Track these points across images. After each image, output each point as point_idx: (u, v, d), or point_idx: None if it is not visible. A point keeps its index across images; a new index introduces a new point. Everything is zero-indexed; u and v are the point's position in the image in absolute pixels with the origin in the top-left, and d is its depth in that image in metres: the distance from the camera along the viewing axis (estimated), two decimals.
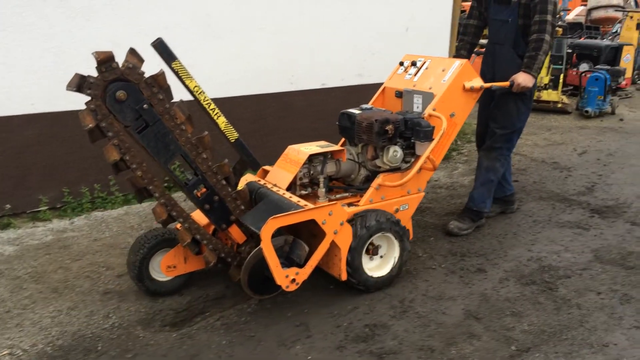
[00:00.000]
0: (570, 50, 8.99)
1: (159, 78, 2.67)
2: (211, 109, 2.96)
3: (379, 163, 3.40)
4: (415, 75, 3.72)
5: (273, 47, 5.04)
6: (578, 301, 3.18)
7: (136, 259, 3.06)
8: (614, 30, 11.49)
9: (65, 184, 4.30)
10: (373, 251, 3.23)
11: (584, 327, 2.93)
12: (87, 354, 2.71)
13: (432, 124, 3.31)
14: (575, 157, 5.93)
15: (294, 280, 2.85)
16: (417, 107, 3.60)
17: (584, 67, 8.83)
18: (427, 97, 3.52)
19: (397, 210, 3.38)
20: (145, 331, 2.90)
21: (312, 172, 3.34)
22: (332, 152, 3.40)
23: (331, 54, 5.43)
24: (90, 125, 2.53)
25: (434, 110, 3.41)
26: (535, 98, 6.48)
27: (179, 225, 2.98)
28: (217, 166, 2.92)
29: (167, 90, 2.71)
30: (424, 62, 3.74)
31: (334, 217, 2.92)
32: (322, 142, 3.50)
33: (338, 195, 3.45)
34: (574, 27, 12.19)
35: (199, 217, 3.10)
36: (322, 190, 3.32)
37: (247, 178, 3.41)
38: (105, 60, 2.50)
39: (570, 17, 14.69)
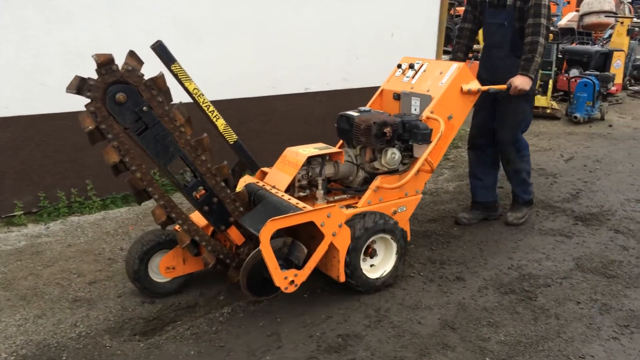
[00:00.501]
0: (561, 56, 8.97)
1: (159, 80, 2.68)
2: (210, 111, 2.99)
3: (377, 165, 3.42)
4: (413, 77, 3.74)
5: (255, 50, 4.98)
6: (557, 311, 3.13)
7: (135, 260, 3.06)
8: (605, 36, 11.47)
9: (41, 188, 4.22)
10: (371, 253, 3.25)
11: (561, 338, 2.88)
12: None
13: (430, 127, 3.33)
14: (562, 163, 5.89)
15: (292, 281, 2.87)
16: (415, 110, 3.63)
17: (574, 72, 8.80)
18: (425, 99, 3.54)
19: (395, 212, 3.40)
20: (113, 340, 2.83)
21: (310, 174, 3.35)
22: (331, 154, 3.41)
23: (315, 58, 5.38)
24: (90, 128, 2.54)
25: (431, 112, 3.42)
26: None
27: (177, 227, 2.99)
28: (216, 168, 2.94)
29: (166, 93, 2.73)
30: (422, 65, 3.76)
31: (333, 219, 2.94)
32: (321, 144, 3.51)
33: (336, 197, 3.46)
34: (566, 33, 12.17)
35: (198, 218, 3.11)
36: (320, 192, 3.33)
37: (246, 180, 3.42)
38: (105, 63, 2.51)
39: (563, 22, 14.68)
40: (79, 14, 4.13)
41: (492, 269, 3.59)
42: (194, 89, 2.91)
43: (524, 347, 2.80)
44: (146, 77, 2.66)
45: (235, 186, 3.17)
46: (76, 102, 4.14)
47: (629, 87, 10.53)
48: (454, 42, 4.37)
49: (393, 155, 3.35)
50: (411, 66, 3.77)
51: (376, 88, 5.92)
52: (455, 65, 3.59)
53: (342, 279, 3.09)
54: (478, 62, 4.32)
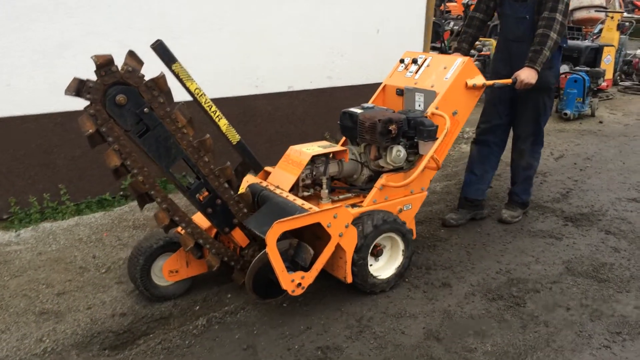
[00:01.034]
0: None
1: (160, 81, 2.60)
2: (212, 111, 2.97)
3: (382, 163, 3.36)
4: (416, 73, 3.67)
5: (235, 48, 4.83)
6: (546, 318, 3.00)
7: (137, 264, 3.00)
8: (595, 31, 11.37)
9: (11, 194, 4.05)
10: (378, 252, 3.21)
11: (551, 347, 2.75)
12: None
13: (436, 123, 3.26)
14: (552, 161, 5.77)
15: (299, 284, 2.81)
16: (419, 106, 3.56)
17: (564, 68, 8.68)
18: (429, 95, 3.48)
19: (400, 211, 3.35)
20: (80, 356, 2.68)
21: (314, 173, 3.28)
22: (335, 153, 3.34)
23: (298, 56, 5.23)
24: (90, 131, 2.46)
25: (436, 108, 3.36)
26: None
27: (181, 230, 2.93)
28: (219, 169, 2.88)
29: (167, 93, 2.64)
30: (425, 60, 3.69)
31: (339, 220, 2.89)
32: (324, 142, 3.46)
33: (341, 196, 3.39)
34: None
35: (201, 220, 3.04)
36: (325, 192, 3.27)
37: (248, 180, 3.35)
38: (104, 64, 2.43)
39: None
40: (45, 11, 3.95)
41: (480, 274, 3.47)
42: (196, 88, 2.88)
43: (511, 358, 2.68)
44: (146, 78, 2.57)
45: (239, 187, 3.13)
46: (46, 104, 4.02)
47: (620, 83, 10.45)
48: (462, 31, 4.28)
49: (398, 152, 3.28)
50: (414, 61, 3.70)
51: (362, 86, 5.83)
52: (460, 59, 3.52)
53: (349, 280, 3.04)
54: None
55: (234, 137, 3.10)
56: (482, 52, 8.52)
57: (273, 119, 5.23)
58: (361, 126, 3.27)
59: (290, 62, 5.19)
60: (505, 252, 3.77)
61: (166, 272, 3.07)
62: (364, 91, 5.74)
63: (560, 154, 6.03)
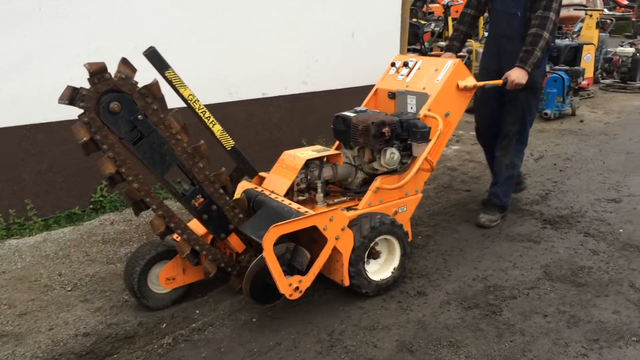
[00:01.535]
0: None
1: (153, 88, 2.61)
2: (206, 117, 3.00)
3: (376, 166, 3.37)
4: (407, 75, 3.70)
5: (208, 55, 4.73)
6: (522, 326, 2.93)
7: (134, 272, 2.98)
8: (576, 29, 11.38)
9: None
10: (374, 255, 3.21)
11: (527, 357, 2.68)
12: None
13: (428, 125, 3.28)
14: (532, 162, 5.72)
15: (297, 288, 2.82)
16: (411, 108, 3.58)
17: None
18: (421, 97, 3.50)
19: (395, 213, 3.36)
20: None
21: (309, 177, 3.30)
22: (328, 157, 3.36)
23: (272, 62, 5.15)
24: (85, 139, 2.47)
25: (429, 110, 3.39)
26: None
27: (176, 237, 2.93)
28: (214, 175, 2.89)
29: (161, 100, 2.65)
30: (416, 62, 3.72)
31: (335, 223, 2.90)
32: (318, 147, 3.48)
33: (336, 200, 3.41)
34: None
35: (196, 227, 3.04)
36: (320, 195, 3.27)
37: (243, 185, 3.36)
38: (97, 72, 2.44)
39: None
40: (5, 23, 3.83)
41: (456, 281, 3.39)
42: (189, 95, 2.91)
43: None
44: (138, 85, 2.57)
45: (234, 192, 3.14)
46: (9, 118, 3.90)
47: (601, 81, 10.46)
48: (453, 28, 4.29)
49: (392, 155, 3.29)
50: (405, 64, 3.71)
51: (338, 90, 5.76)
52: (451, 61, 3.54)
53: (347, 282, 3.04)
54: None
55: (228, 142, 3.14)
56: (461, 53, 8.47)
57: (248, 125, 5.14)
58: (354, 129, 3.28)
59: (265, 68, 5.11)
60: (482, 257, 3.70)
61: (163, 279, 3.05)
62: (341, 96, 5.70)
63: (540, 154, 5.98)
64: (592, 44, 9.27)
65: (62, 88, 3.89)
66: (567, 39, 9.98)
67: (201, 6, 4.64)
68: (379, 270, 3.25)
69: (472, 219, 4.28)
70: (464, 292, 3.27)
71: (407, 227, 3.41)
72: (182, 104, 3.00)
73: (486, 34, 8.67)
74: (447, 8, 11.06)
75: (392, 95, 3.71)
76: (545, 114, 7.41)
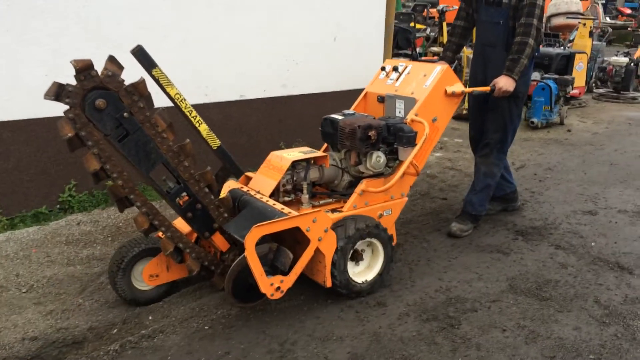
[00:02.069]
0: None
1: (140, 86, 2.62)
2: (193, 117, 3.03)
3: (362, 169, 3.40)
4: (397, 80, 3.73)
5: (183, 56, 4.67)
6: (479, 340, 2.87)
7: (117, 268, 3.01)
8: (571, 38, 11.32)
9: None
10: (358, 257, 3.23)
11: None
12: None
13: (415, 129, 3.32)
14: (512, 172, 5.64)
15: (278, 288, 2.83)
16: (399, 112, 3.62)
17: (535, 75, 8.61)
18: (409, 102, 3.54)
19: (380, 216, 3.38)
20: None
21: (295, 178, 3.31)
22: (315, 158, 3.38)
23: (250, 64, 5.09)
24: (69, 135, 2.48)
25: (416, 115, 3.42)
26: None
27: (161, 234, 2.95)
28: (199, 174, 2.89)
29: (147, 98, 2.66)
30: (406, 67, 3.76)
31: (318, 224, 2.92)
32: (305, 148, 3.49)
33: (322, 202, 3.43)
34: None
35: (181, 225, 3.06)
36: (305, 197, 3.28)
37: (230, 185, 3.35)
38: (84, 69, 2.45)
39: None
40: None
41: (419, 292, 3.33)
42: (176, 93, 2.94)
43: None
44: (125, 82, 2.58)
45: (219, 192, 3.15)
46: None
47: (594, 90, 10.40)
48: (446, 41, 4.34)
49: (378, 158, 3.32)
50: (395, 68, 3.76)
51: (318, 94, 5.71)
52: (439, 67, 3.57)
53: (329, 284, 3.06)
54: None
55: (215, 142, 3.16)
56: None
57: (224, 129, 5.07)
58: (341, 132, 3.31)
59: (242, 70, 5.05)
60: (449, 268, 3.64)
61: (146, 276, 3.07)
62: (321, 100, 5.65)
63: (522, 163, 5.92)
64: (585, 52, 9.22)
65: (28, 85, 3.87)
66: (560, 47, 9.93)
67: (178, 5, 4.59)
68: (362, 272, 3.27)
69: (445, 228, 4.23)
70: (424, 304, 3.21)
71: (392, 231, 3.42)
72: (169, 103, 3.02)
73: None
74: (442, 13, 11.01)
75: (381, 99, 3.75)
76: (532, 122, 7.35)
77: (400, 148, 3.36)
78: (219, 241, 3.09)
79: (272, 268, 2.85)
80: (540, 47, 10.65)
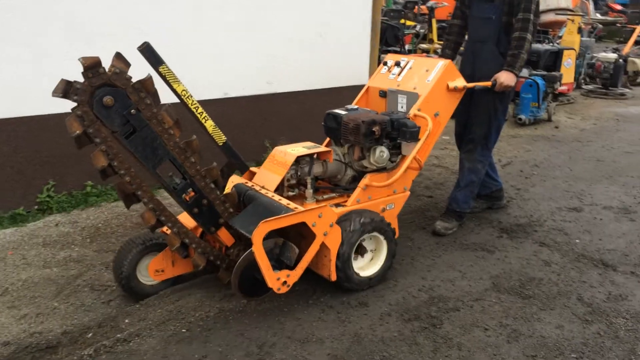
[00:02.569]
0: None
1: (147, 83, 2.65)
2: (199, 113, 3.06)
3: (366, 163, 3.43)
4: (398, 75, 3.76)
5: (164, 53, 4.57)
6: (461, 340, 2.83)
7: (123, 264, 3.03)
8: (560, 34, 11.31)
9: None
10: (362, 251, 3.26)
11: None
12: None
13: (418, 124, 3.34)
14: (498, 168, 5.57)
15: (285, 282, 2.89)
16: (402, 107, 3.65)
17: (523, 72, 8.58)
18: (412, 97, 3.56)
19: (383, 210, 3.41)
20: None
21: (299, 173, 3.34)
22: (319, 153, 3.39)
23: (234, 61, 5.03)
24: (78, 132, 2.49)
25: (419, 110, 3.45)
26: None
27: (166, 229, 2.98)
28: (205, 170, 2.92)
29: (154, 95, 2.69)
30: (407, 62, 3.78)
31: (324, 219, 2.95)
32: (309, 143, 3.50)
33: (325, 196, 3.45)
34: None
35: (186, 220, 3.08)
36: (309, 192, 3.32)
37: (234, 180, 3.39)
38: (92, 66, 2.47)
39: None
40: None
41: (401, 292, 3.29)
42: (182, 90, 2.96)
43: None
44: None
45: (224, 187, 3.18)
46: None
47: (583, 86, 10.39)
48: (443, 39, 4.40)
49: (382, 153, 3.34)
50: (397, 63, 3.79)
51: (304, 92, 5.65)
52: (441, 62, 3.60)
53: (334, 278, 3.09)
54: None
55: (220, 138, 3.18)
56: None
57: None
58: (345, 127, 3.33)
59: (226, 67, 4.99)
60: (432, 267, 3.60)
61: (152, 271, 3.10)
62: (307, 97, 5.59)
63: (508, 160, 5.89)
64: (573, 49, 9.20)
65: (5, 84, 3.79)
66: (548, 44, 9.91)
67: (158, 3, 4.52)
68: (366, 266, 3.30)
69: (429, 227, 4.19)
70: (407, 303, 3.17)
71: (395, 225, 3.44)
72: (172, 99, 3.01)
73: None
74: (431, 10, 10.99)
75: (383, 94, 3.77)
76: (520, 119, 7.32)
77: (403, 143, 3.39)
78: (224, 236, 3.12)
79: (278, 262, 2.90)
80: None
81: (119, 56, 2.58)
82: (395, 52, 9.02)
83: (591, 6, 18.23)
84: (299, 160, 3.31)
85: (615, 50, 10.70)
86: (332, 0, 5.55)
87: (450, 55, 4.18)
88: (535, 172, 5.53)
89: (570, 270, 3.55)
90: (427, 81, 3.56)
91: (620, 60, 10.08)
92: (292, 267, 2.91)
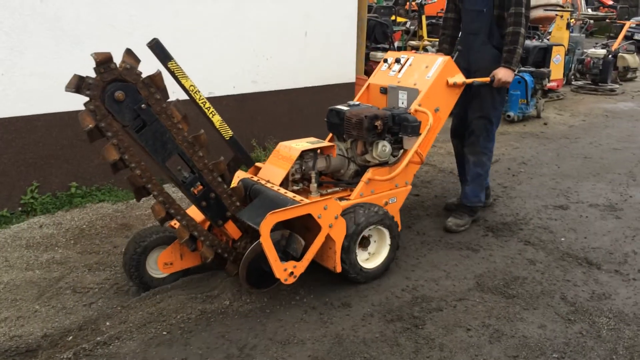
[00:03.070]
0: None
1: (156, 78, 2.72)
2: (206, 108, 3.13)
3: (369, 158, 3.51)
4: (399, 72, 3.84)
5: (147, 52, 4.55)
6: (442, 340, 2.83)
7: (132, 257, 3.11)
8: (550, 30, 11.32)
9: None
10: (365, 243, 3.34)
11: None
12: None
13: (418, 119, 3.41)
14: None
15: (292, 273, 2.95)
16: (402, 103, 3.73)
17: None
18: (412, 93, 3.64)
19: (386, 204, 3.49)
20: None
21: (303, 167, 3.41)
22: (322, 148, 3.48)
23: (218, 60, 5.00)
24: (90, 126, 2.56)
25: (419, 105, 3.53)
26: None
27: (173, 223, 3.07)
28: (212, 164, 2.99)
29: (163, 90, 2.75)
30: (407, 59, 3.86)
31: (329, 211, 3.01)
32: (312, 139, 3.58)
33: (329, 190, 3.53)
34: None
35: (194, 213, 3.14)
36: (314, 186, 3.40)
37: (239, 175, 3.46)
38: (103, 61, 2.53)
39: None
40: None
41: (384, 292, 3.28)
42: (190, 85, 3.02)
43: None
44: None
45: (230, 181, 3.23)
46: None
47: (573, 82, 10.41)
48: (440, 34, 4.43)
49: (384, 147, 3.42)
50: (397, 60, 3.86)
51: (290, 90, 5.63)
52: (441, 59, 3.68)
53: (339, 269, 3.16)
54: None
55: (227, 132, 3.24)
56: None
57: (193, 127, 4.97)
58: (348, 122, 3.40)
59: (211, 66, 4.96)
60: (417, 266, 3.59)
61: (161, 264, 3.17)
62: (294, 96, 5.57)
63: (496, 158, 5.88)
64: (562, 45, 9.21)
65: None
66: (537, 40, 9.92)
67: (139, 3, 4.48)
68: (369, 259, 3.38)
69: (415, 226, 4.19)
70: (390, 304, 3.16)
71: (397, 218, 3.51)
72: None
73: None
74: (421, 7, 10.96)
75: (384, 91, 3.86)
76: (509, 116, 7.32)
77: (405, 137, 3.46)
78: (232, 229, 3.18)
79: (285, 254, 2.96)
80: None
81: (129, 52, 2.64)
82: (385, 49, 8.99)
83: (582, 1, 18.28)
84: (303, 155, 3.37)
85: (604, 46, 10.72)
86: None
87: (447, 50, 4.21)
88: (523, 169, 5.54)
89: (555, 269, 3.56)
90: (427, 77, 3.64)
91: (610, 56, 10.11)
92: (298, 259, 2.97)
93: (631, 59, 11.18)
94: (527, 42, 8.99)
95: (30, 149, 4.16)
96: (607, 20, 14.87)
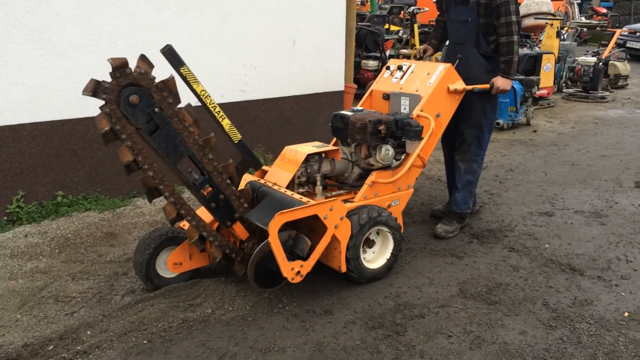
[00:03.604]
0: None
1: (169, 83, 2.82)
2: (216, 112, 3.21)
3: (372, 161, 3.61)
4: (401, 78, 3.96)
5: (133, 62, 4.58)
6: (423, 347, 2.83)
7: (143, 258, 3.18)
8: (541, 38, 11.39)
9: None
10: (369, 244, 3.44)
11: None
12: None
13: (421, 124, 3.53)
14: None
15: (298, 272, 3.03)
16: (405, 109, 3.85)
17: None
18: (414, 99, 3.76)
19: (389, 206, 3.58)
20: None
21: (309, 171, 3.51)
22: (327, 152, 3.57)
23: (205, 69, 5.00)
24: (106, 128, 2.66)
25: (421, 111, 3.65)
26: None
27: (183, 224, 3.20)
28: (222, 166, 3.08)
29: (175, 95, 2.85)
30: (409, 66, 3.99)
31: (335, 212, 3.11)
32: (317, 143, 3.69)
33: (333, 193, 3.62)
34: None
35: (203, 214, 3.21)
36: (319, 188, 3.49)
37: (246, 178, 3.57)
38: (119, 66, 2.64)
39: None
40: None
41: (367, 299, 3.29)
42: (202, 90, 3.12)
43: None
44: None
45: (239, 183, 3.32)
46: None
47: (564, 90, 10.46)
48: (431, 31, 4.58)
49: (387, 151, 3.52)
50: (399, 67, 4.00)
51: (278, 99, 5.65)
52: (442, 66, 3.79)
53: (344, 269, 3.25)
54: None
55: (236, 136, 3.32)
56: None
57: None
58: (352, 127, 3.52)
59: (198, 75, 4.95)
60: (400, 273, 3.60)
61: (170, 264, 3.26)
62: (282, 104, 5.60)
63: (484, 165, 5.87)
64: (552, 53, 9.27)
65: None
66: (528, 48, 9.98)
67: (129, 8, 4.50)
68: (373, 259, 3.47)
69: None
70: (372, 311, 3.17)
71: (400, 220, 3.59)
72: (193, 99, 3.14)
73: None
74: (413, 15, 11.02)
75: (386, 97, 3.98)
76: (498, 123, 7.35)
77: (407, 141, 3.58)
78: (239, 230, 3.27)
79: (291, 254, 3.04)
80: None
81: (143, 58, 2.74)
82: (377, 58, 9.05)
83: (576, 10, 18.39)
84: (308, 158, 3.47)
85: (595, 54, 10.79)
86: (305, 5, 5.55)
87: (436, 45, 4.39)
88: (510, 176, 5.56)
89: (538, 275, 3.57)
90: (428, 84, 3.74)
91: (600, 63, 10.17)
92: (304, 259, 3.04)
93: (622, 67, 11.24)
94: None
95: (16, 158, 4.17)
96: (598, 29, 14.95)
